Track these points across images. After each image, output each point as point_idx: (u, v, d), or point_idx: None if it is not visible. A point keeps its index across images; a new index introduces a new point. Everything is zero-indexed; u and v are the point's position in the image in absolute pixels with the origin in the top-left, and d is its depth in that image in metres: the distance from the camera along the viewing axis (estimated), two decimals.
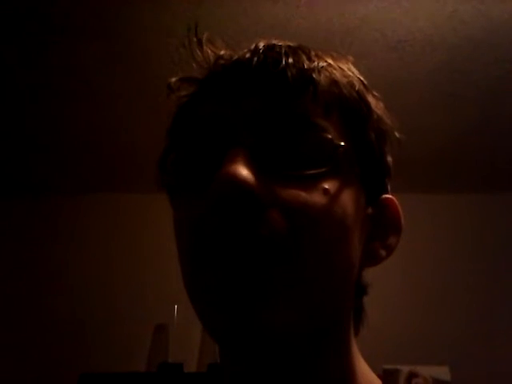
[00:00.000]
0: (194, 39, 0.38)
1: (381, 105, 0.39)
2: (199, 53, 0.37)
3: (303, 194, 0.31)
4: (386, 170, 0.39)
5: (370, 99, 0.38)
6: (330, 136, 0.33)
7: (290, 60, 0.34)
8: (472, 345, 1.71)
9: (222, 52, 0.37)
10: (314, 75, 0.34)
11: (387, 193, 0.39)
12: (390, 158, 0.40)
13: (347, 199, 0.34)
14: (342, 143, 0.33)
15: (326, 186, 0.32)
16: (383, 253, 0.37)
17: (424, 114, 1.56)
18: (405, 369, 1.57)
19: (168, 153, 0.36)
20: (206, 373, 1.55)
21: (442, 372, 1.57)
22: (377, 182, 0.38)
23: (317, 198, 0.32)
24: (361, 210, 0.35)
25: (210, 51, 0.37)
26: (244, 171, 0.30)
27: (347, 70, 0.37)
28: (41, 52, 1.35)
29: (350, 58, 0.40)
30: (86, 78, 1.45)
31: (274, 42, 0.36)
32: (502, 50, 1.36)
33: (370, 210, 0.37)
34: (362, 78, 0.38)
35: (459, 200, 1.93)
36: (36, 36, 1.30)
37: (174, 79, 0.38)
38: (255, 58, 0.34)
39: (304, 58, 0.35)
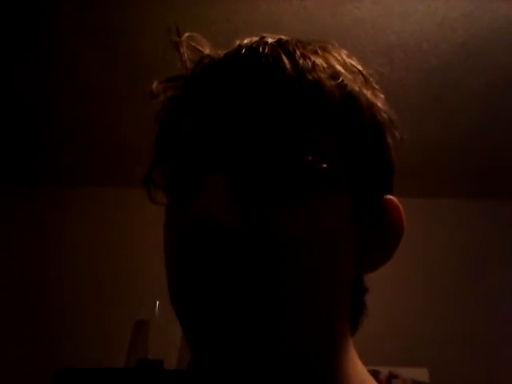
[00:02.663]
0: (174, 40, 0.36)
1: (380, 98, 0.36)
2: (179, 53, 0.36)
3: (283, 222, 0.30)
4: (386, 168, 0.36)
5: (366, 93, 0.35)
6: (310, 158, 0.31)
7: (272, 62, 0.31)
8: (451, 347, 1.73)
9: (206, 52, 0.35)
10: (296, 84, 0.31)
11: (389, 193, 0.36)
12: (391, 154, 0.37)
13: (333, 219, 0.32)
14: (324, 165, 0.31)
15: (308, 212, 0.31)
16: (381, 257, 0.35)
17: (414, 120, 1.57)
18: (384, 370, 1.58)
19: (154, 165, 0.35)
20: (187, 370, 1.54)
21: (421, 373, 1.59)
22: (374, 185, 0.35)
23: (298, 225, 0.30)
24: (351, 224, 0.33)
25: (189, 52, 0.36)
26: (218, 204, 0.29)
27: (338, 66, 0.34)
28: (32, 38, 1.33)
29: (344, 50, 0.37)
30: (78, 68, 1.43)
31: (255, 40, 0.34)
32: (493, 57, 1.37)
33: (364, 217, 0.34)
34: (357, 69, 0.35)
35: (448, 205, 1.95)
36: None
37: (155, 84, 0.37)
38: (234, 61, 0.32)
39: (287, 62, 0.32)
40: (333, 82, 0.33)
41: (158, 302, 1.64)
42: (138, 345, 1.64)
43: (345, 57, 0.36)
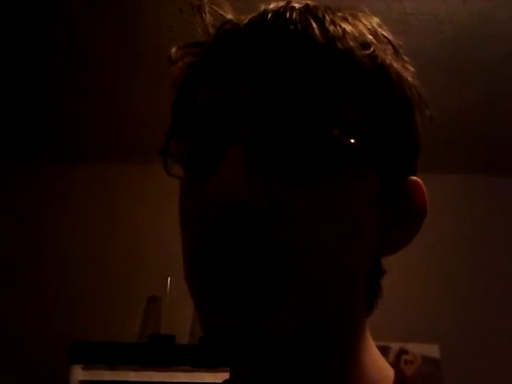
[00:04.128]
0: (196, 3, 0.34)
1: (410, 71, 0.34)
2: (201, 18, 0.34)
3: (308, 201, 0.29)
4: (413, 147, 0.35)
5: (397, 66, 0.33)
6: (337, 132, 0.29)
7: (300, 28, 0.30)
8: (462, 324, 1.73)
9: (228, 17, 0.33)
10: (325, 52, 0.30)
11: (413, 173, 0.35)
12: (418, 133, 0.35)
13: (359, 199, 0.31)
14: (352, 140, 0.30)
15: (334, 189, 0.29)
16: (402, 240, 0.34)
17: (426, 90, 1.52)
18: (395, 346, 1.59)
19: (170, 136, 0.33)
20: (198, 345, 1.57)
21: (432, 350, 1.59)
22: (400, 165, 0.34)
23: (323, 204, 0.29)
24: (376, 204, 0.32)
25: (211, 17, 0.34)
26: (239, 179, 0.27)
27: (368, 35, 0.32)
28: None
29: (375, 18, 0.35)
30: (85, 42, 1.40)
31: (282, 4, 0.32)
32: (509, 27, 1.32)
33: (387, 199, 0.33)
34: (388, 39, 0.34)
35: (460, 181, 1.92)
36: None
37: (174, 49, 0.35)
38: (260, 27, 0.31)
39: (316, 29, 0.30)
40: (364, 52, 0.31)
41: (169, 279, 1.65)
42: (150, 320, 1.67)
43: (376, 25, 0.34)
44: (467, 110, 1.64)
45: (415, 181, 0.34)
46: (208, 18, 0.34)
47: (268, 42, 0.30)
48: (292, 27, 0.30)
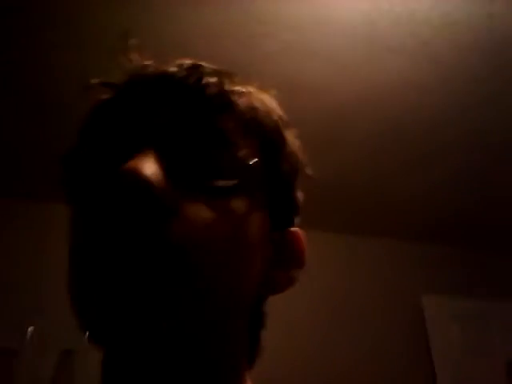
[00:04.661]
0: (123, 46, 0.38)
1: (296, 142, 0.40)
2: (125, 59, 0.37)
3: (207, 212, 0.31)
4: (295, 203, 0.39)
5: (287, 134, 0.39)
6: (242, 152, 0.33)
7: (212, 80, 0.34)
8: (343, 378, 1.79)
9: (148, 62, 0.37)
10: (232, 97, 0.34)
11: (293, 226, 0.39)
12: (299, 195, 0.40)
13: (252, 222, 0.33)
14: (254, 160, 0.33)
15: (232, 206, 0.32)
16: (284, 283, 0.37)
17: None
18: None
19: (77, 149, 0.34)
20: None
21: None
22: (284, 213, 0.38)
23: (221, 217, 0.31)
24: (265, 235, 0.35)
25: (134, 59, 0.37)
26: (150, 169, 0.29)
27: (268, 103, 0.38)
28: None
29: (272, 92, 0.40)
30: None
31: (201, 62, 0.36)
32: (383, 106, 1.50)
33: (274, 239, 0.36)
34: (280, 114, 0.39)
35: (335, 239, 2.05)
36: None
37: (94, 80, 0.37)
38: (178, 73, 0.34)
39: (226, 80, 0.35)
40: (264, 109, 0.37)
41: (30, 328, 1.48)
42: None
43: (271, 98, 0.40)
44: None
45: (296, 231, 0.39)
46: (131, 59, 0.38)
47: (187, 83, 0.34)
48: (208, 77, 0.34)
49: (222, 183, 0.32)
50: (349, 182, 1.82)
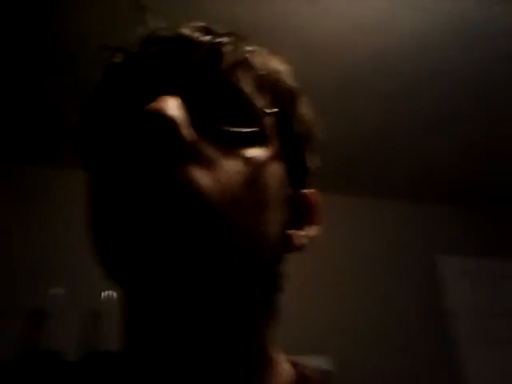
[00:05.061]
0: (139, 11, 0.39)
1: (307, 106, 0.40)
2: (141, 24, 0.37)
3: (227, 158, 0.31)
4: (307, 164, 0.40)
5: (299, 95, 0.39)
6: (259, 103, 0.33)
7: (228, 40, 0.35)
8: (355, 336, 1.83)
9: (162, 25, 0.37)
10: (247, 54, 0.35)
11: (304, 188, 0.39)
12: (313, 158, 0.40)
13: (271, 172, 0.33)
14: (272, 110, 0.34)
15: (251, 153, 0.32)
16: (300, 241, 0.37)
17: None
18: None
19: (96, 100, 0.34)
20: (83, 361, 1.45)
21: (323, 362, 1.66)
22: (298, 172, 0.38)
23: (241, 163, 0.31)
24: (283, 189, 0.35)
25: (148, 22, 0.37)
26: (175, 110, 0.29)
27: (280, 63, 0.39)
28: None
29: (285, 55, 0.40)
30: None
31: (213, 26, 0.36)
32: (399, 66, 1.46)
33: (291, 197, 0.36)
34: (292, 77, 0.40)
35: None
36: None
37: (111, 44, 0.37)
38: (193, 33, 0.34)
39: (240, 40, 0.36)
40: (278, 68, 0.38)
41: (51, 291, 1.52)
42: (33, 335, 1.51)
43: (285, 63, 0.40)
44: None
45: (312, 191, 0.39)
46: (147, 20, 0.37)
47: (204, 42, 0.34)
48: (223, 37, 0.35)
49: (240, 130, 0.32)
50: (364, 144, 1.80)
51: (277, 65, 0.38)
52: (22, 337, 1.49)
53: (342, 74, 1.49)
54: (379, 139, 1.79)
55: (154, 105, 0.29)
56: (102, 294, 1.57)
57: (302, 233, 0.37)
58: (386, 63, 1.45)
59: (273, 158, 0.34)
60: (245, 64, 0.34)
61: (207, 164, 0.30)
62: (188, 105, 0.31)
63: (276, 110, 0.34)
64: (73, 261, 1.63)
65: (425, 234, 2.10)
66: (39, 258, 1.63)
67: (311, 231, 0.38)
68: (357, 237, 2.03)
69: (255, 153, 0.32)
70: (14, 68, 1.42)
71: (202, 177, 0.29)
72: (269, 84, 0.36)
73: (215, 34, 0.35)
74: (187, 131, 0.29)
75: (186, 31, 0.35)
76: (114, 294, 1.55)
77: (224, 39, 0.35)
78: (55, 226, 1.69)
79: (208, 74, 0.33)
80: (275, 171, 0.34)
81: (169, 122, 0.28)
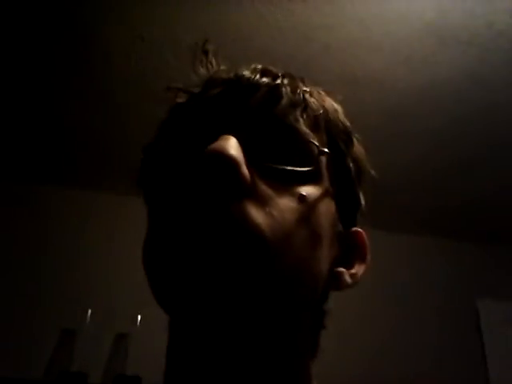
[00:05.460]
0: (201, 53, 0.40)
1: (360, 146, 0.41)
2: (203, 65, 0.39)
3: (280, 193, 0.32)
4: (359, 203, 0.40)
5: (353, 138, 0.40)
6: (316, 142, 0.34)
7: (286, 81, 0.36)
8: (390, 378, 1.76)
9: (223, 67, 0.39)
10: (306, 95, 0.36)
11: (355, 225, 0.40)
12: (362, 195, 0.41)
13: (323, 211, 0.34)
14: (326, 150, 0.35)
15: (305, 192, 0.33)
16: (348, 279, 0.37)
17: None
18: None
19: (159, 139, 0.36)
20: None
21: None
22: (349, 211, 0.39)
23: (293, 201, 0.32)
24: (334, 226, 0.36)
25: (212, 64, 0.39)
26: (235, 149, 0.30)
27: (336, 105, 0.40)
28: None
29: (339, 96, 0.42)
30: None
31: (271, 67, 0.38)
32: (445, 101, 1.45)
33: (340, 236, 0.37)
34: (346, 120, 0.41)
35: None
36: None
37: (175, 84, 0.39)
38: (253, 75, 0.36)
39: (299, 82, 0.37)
40: (333, 108, 0.39)
41: (89, 312, 1.54)
42: (61, 355, 1.52)
43: (338, 103, 0.41)
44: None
45: (359, 230, 0.39)
46: (208, 65, 0.40)
47: (262, 84, 0.36)
48: (281, 78, 0.36)
49: (296, 169, 0.33)
50: (409, 179, 1.77)
51: (331, 105, 0.40)
52: (53, 357, 1.50)
53: (387, 108, 1.49)
54: (424, 173, 1.76)
55: (215, 145, 0.30)
56: (138, 317, 1.58)
57: (352, 271, 0.37)
58: (432, 97, 1.44)
59: (325, 195, 0.35)
60: (302, 105, 0.35)
61: (262, 201, 0.31)
62: (248, 143, 0.32)
63: (328, 151, 0.35)
64: (103, 284, 1.65)
65: (468, 275, 2.03)
66: (73, 280, 1.65)
67: (360, 269, 0.38)
68: (401, 273, 1.98)
69: (309, 191, 0.33)
70: (34, 82, 1.48)
71: (257, 214, 0.30)
72: (324, 123, 0.37)
73: (273, 76, 0.36)
74: (245, 170, 0.30)
75: (245, 73, 0.36)
76: (140, 318, 1.56)
77: (281, 81, 0.36)
78: (88, 249, 1.72)
79: (266, 114, 0.34)
80: (327, 209, 0.35)
81: (229, 161, 0.29)
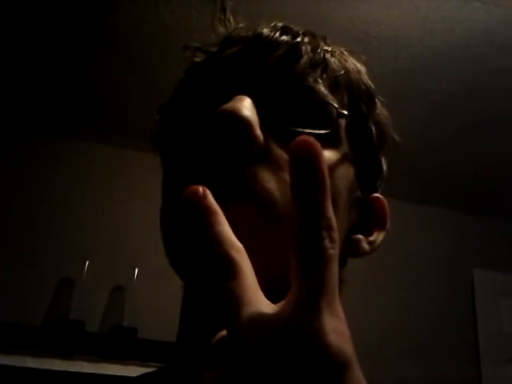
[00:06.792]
0: (220, 11, 0.38)
1: (384, 109, 0.39)
2: (221, 24, 0.38)
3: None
4: (380, 169, 0.39)
5: (376, 100, 0.39)
6: (333, 105, 0.33)
7: (306, 39, 0.35)
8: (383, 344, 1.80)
9: (242, 25, 0.37)
10: (327, 55, 0.35)
11: (375, 192, 0.39)
12: (385, 161, 0.39)
13: (341, 175, 0.33)
14: (344, 112, 0.33)
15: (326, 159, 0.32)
16: (366, 246, 0.36)
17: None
18: None
19: (174, 99, 0.36)
20: (108, 334, 1.49)
21: None
22: (369, 176, 0.38)
23: None
24: (352, 192, 0.35)
25: (229, 23, 0.38)
26: (249, 110, 0.29)
27: (359, 65, 0.39)
28: None
29: (363, 57, 0.40)
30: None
31: (292, 25, 0.36)
32: (462, 65, 1.40)
33: (359, 202, 0.36)
34: (370, 82, 0.39)
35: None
36: None
37: (192, 44, 0.38)
38: (272, 33, 0.34)
39: (320, 41, 0.36)
40: (356, 69, 0.37)
41: (87, 262, 1.55)
42: (59, 303, 1.55)
43: (362, 63, 0.40)
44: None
45: (379, 196, 0.38)
46: (227, 21, 0.38)
47: (282, 42, 0.34)
48: (302, 36, 0.35)
49: (314, 131, 0.31)
50: (415, 148, 1.73)
51: (354, 65, 0.38)
52: (51, 305, 1.53)
53: (402, 67, 1.43)
54: (431, 142, 1.72)
55: (228, 105, 0.29)
56: (135, 270, 1.59)
57: (370, 238, 0.36)
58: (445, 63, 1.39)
59: (344, 160, 0.33)
60: (322, 64, 0.34)
61: (276, 165, 0.30)
62: (263, 104, 0.31)
63: (346, 113, 0.33)
64: (102, 236, 1.66)
65: (465, 245, 2.04)
66: (72, 231, 1.65)
67: (379, 237, 0.37)
68: (400, 239, 1.99)
69: (326, 154, 0.31)
70: (54, 38, 1.42)
71: (269, 178, 0.29)
72: (346, 85, 0.35)
73: (293, 34, 0.35)
74: (259, 132, 0.29)
75: (264, 31, 0.35)
76: (137, 271, 1.57)
77: (302, 39, 0.34)
78: (86, 199, 1.71)
79: (285, 74, 0.33)
80: (345, 174, 0.33)
81: (242, 122, 0.29)
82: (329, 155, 0.32)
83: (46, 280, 1.56)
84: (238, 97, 0.30)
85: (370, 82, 0.38)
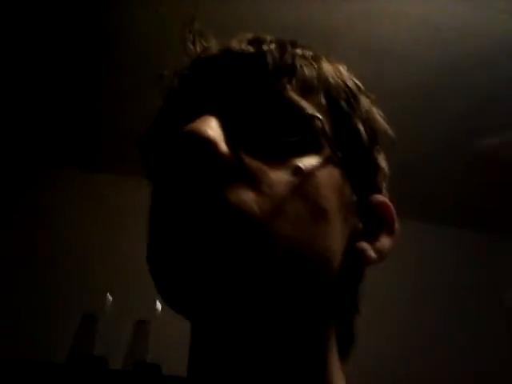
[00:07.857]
0: (189, 34, 0.38)
1: (374, 106, 0.38)
2: (191, 46, 0.37)
3: (272, 168, 0.30)
4: (377, 167, 0.37)
5: (361, 97, 0.37)
6: (305, 108, 0.32)
7: (273, 46, 0.34)
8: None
9: (210, 43, 0.37)
10: (296, 60, 0.34)
11: (381, 194, 0.37)
12: (382, 158, 0.37)
13: (324, 180, 0.31)
14: (319, 115, 0.32)
15: (298, 163, 0.30)
16: (373, 254, 0.33)
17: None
18: None
19: (150, 128, 0.36)
20: (132, 371, 1.45)
21: None
22: (365, 176, 0.35)
23: (286, 174, 0.30)
24: (343, 197, 0.33)
25: (200, 44, 0.37)
26: (211, 129, 0.29)
27: (337, 65, 0.37)
28: None
29: (341, 62, 0.39)
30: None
31: (262, 35, 0.36)
32: (476, 77, 1.37)
33: (355, 201, 0.34)
34: (354, 79, 0.37)
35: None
36: None
37: (166, 72, 0.38)
38: (240, 46, 0.34)
39: (289, 46, 0.35)
40: (332, 70, 0.36)
41: (108, 295, 1.54)
42: (83, 340, 1.53)
43: (344, 67, 0.38)
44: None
45: (383, 198, 0.36)
46: (196, 44, 0.37)
47: (247, 53, 0.34)
48: (268, 44, 0.34)
49: (287, 139, 0.30)
50: (439, 165, 1.68)
51: (330, 64, 0.36)
52: (75, 342, 1.51)
53: (417, 83, 1.41)
54: (455, 160, 1.67)
55: (189, 126, 0.29)
56: (157, 303, 1.57)
57: (377, 245, 0.34)
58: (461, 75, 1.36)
59: (326, 164, 0.32)
60: (290, 69, 0.33)
61: (252, 178, 0.29)
62: (231, 121, 0.30)
63: (318, 116, 0.32)
64: (126, 270, 1.65)
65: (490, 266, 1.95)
66: (96, 265, 1.65)
67: (387, 243, 0.34)
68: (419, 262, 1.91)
69: (306, 161, 0.30)
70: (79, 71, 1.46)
71: (243, 191, 0.28)
72: (321, 86, 0.34)
73: (260, 43, 0.34)
74: (223, 147, 0.29)
75: (231, 46, 0.35)
76: (159, 305, 1.54)
77: (268, 47, 0.33)
78: (111, 234, 1.72)
79: (251, 85, 0.32)
80: (330, 178, 0.32)
81: (203, 140, 0.28)
82: (309, 161, 0.31)
83: (69, 317, 1.54)
84: (202, 117, 0.30)
85: (352, 80, 0.37)
